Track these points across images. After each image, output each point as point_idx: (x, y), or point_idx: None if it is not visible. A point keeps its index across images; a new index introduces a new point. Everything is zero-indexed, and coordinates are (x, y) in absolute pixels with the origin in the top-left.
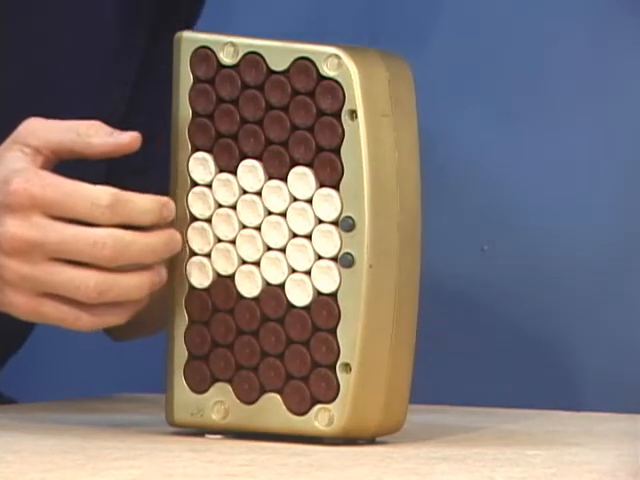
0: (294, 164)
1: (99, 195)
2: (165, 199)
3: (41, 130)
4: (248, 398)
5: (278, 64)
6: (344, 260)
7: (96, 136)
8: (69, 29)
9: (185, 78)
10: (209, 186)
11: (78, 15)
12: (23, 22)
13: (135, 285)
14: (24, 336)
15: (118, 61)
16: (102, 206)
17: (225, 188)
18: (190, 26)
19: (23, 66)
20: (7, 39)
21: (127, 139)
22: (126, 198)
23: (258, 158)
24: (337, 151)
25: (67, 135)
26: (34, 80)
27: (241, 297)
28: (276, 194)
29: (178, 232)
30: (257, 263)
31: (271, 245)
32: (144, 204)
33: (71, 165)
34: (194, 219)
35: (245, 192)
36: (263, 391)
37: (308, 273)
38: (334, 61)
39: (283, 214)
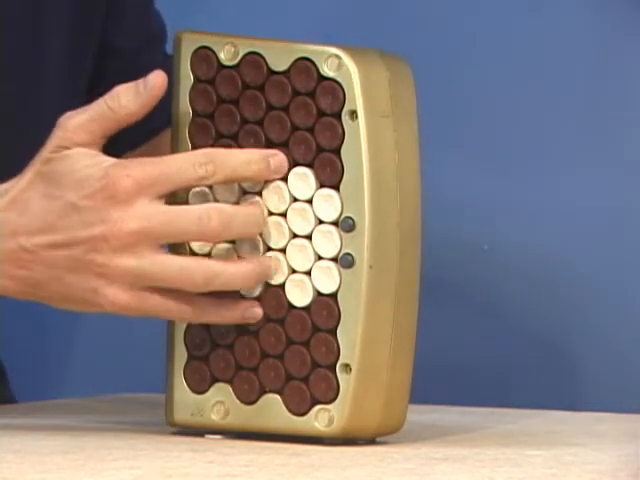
0: (294, 164)
1: (196, 155)
2: (271, 151)
3: (77, 125)
4: (248, 398)
5: (278, 64)
6: (344, 260)
7: (126, 101)
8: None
9: (185, 78)
10: (209, 186)
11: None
12: None
13: (242, 273)
14: None
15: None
16: (204, 163)
17: (225, 188)
18: None
19: None
20: None
21: (155, 83)
22: (223, 152)
23: None
24: (337, 151)
25: (103, 118)
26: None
27: (241, 297)
28: (276, 194)
29: (260, 202)
30: None
31: (271, 245)
32: (243, 155)
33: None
34: None
35: (245, 192)
36: (263, 391)
37: (308, 273)
38: (334, 61)
39: (283, 214)
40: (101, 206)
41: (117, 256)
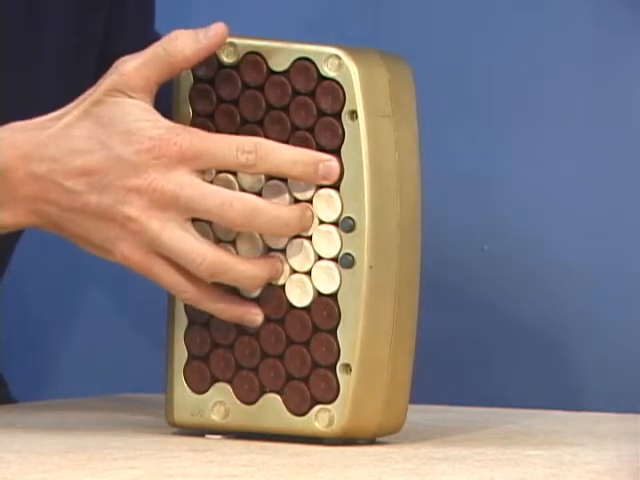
0: None
1: (244, 141)
2: (324, 156)
3: (133, 68)
4: (248, 398)
5: (278, 64)
6: (344, 261)
7: (183, 45)
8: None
9: (185, 78)
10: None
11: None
12: None
13: (251, 275)
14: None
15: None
16: (247, 151)
17: (225, 188)
18: None
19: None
20: None
21: (216, 32)
22: (271, 145)
23: None
24: (337, 152)
25: (158, 61)
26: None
27: (245, 298)
28: (276, 194)
29: (310, 208)
30: None
31: (271, 246)
32: (291, 154)
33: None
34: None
35: (245, 192)
36: (263, 391)
37: (308, 274)
38: (334, 61)
39: None
40: (143, 163)
41: (145, 213)
